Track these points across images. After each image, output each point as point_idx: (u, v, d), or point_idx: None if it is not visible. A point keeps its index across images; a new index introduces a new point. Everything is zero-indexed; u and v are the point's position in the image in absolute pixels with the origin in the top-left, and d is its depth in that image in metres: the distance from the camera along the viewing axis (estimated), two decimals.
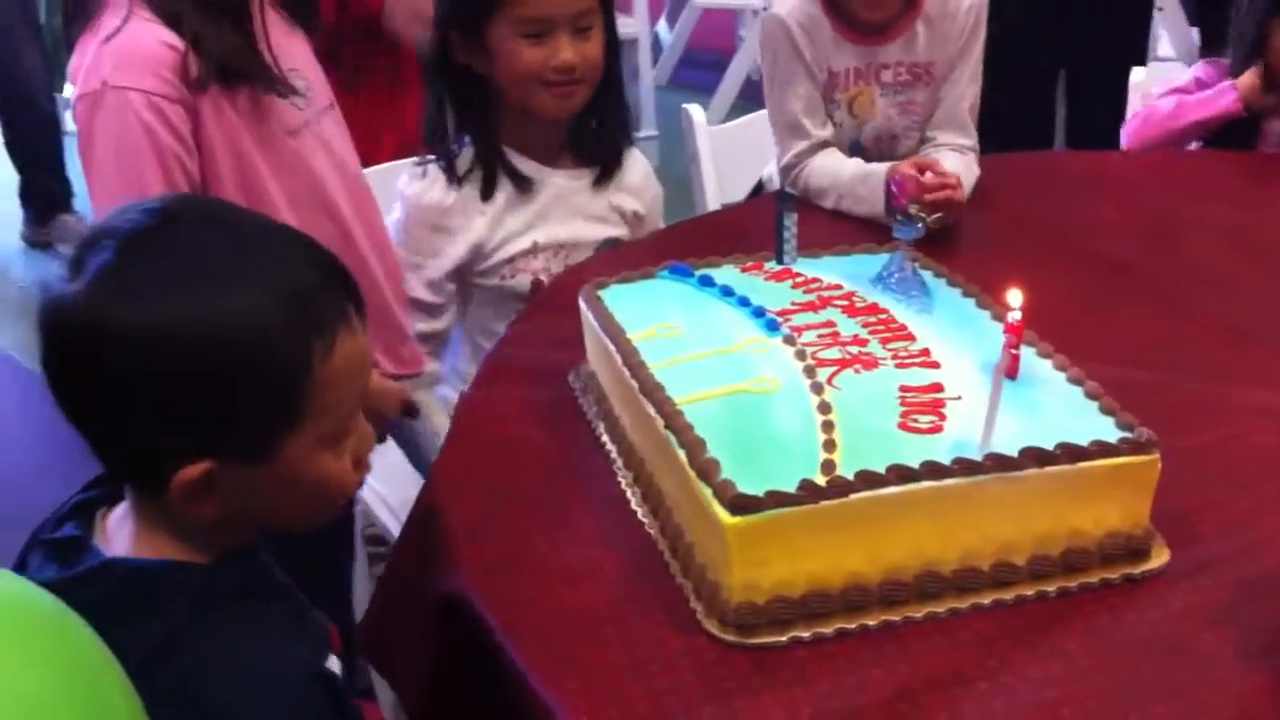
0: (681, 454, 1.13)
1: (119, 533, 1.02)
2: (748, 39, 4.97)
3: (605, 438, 1.36)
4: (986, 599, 1.11)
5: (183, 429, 0.94)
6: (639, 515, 1.24)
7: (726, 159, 2.34)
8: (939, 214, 1.67)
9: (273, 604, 1.03)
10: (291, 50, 1.53)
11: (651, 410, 1.20)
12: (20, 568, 1.02)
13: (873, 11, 1.91)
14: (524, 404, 1.46)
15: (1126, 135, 2.35)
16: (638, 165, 1.91)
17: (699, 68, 5.35)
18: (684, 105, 2.39)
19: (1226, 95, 2.25)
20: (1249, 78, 2.23)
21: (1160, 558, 1.15)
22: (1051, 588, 1.12)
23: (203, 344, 0.92)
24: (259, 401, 0.94)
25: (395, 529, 1.86)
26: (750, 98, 4.71)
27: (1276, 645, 1.08)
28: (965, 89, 2.00)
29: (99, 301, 0.92)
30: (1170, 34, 3.92)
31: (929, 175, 1.77)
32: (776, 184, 2.08)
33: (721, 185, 2.33)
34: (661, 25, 5.61)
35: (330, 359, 0.96)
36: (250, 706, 0.95)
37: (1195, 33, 3.91)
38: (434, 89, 1.80)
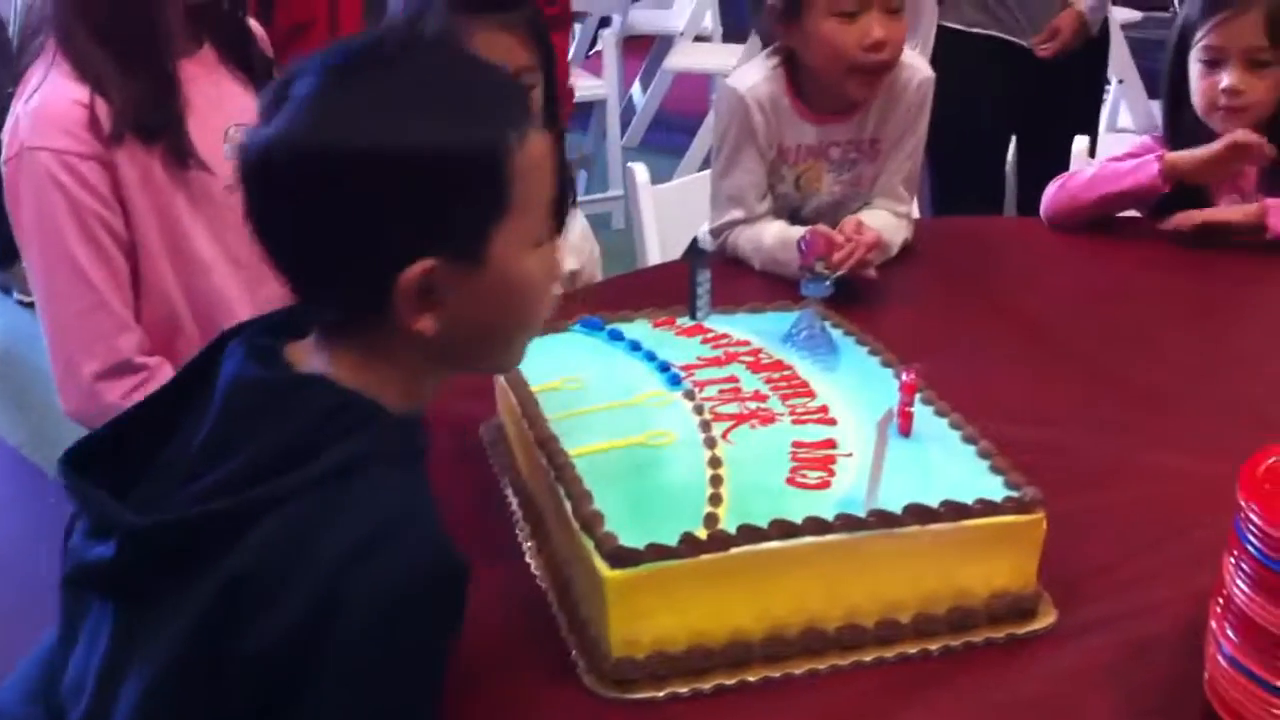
0: (569, 505, 1.12)
1: (309, 360, 1.03)
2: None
3: (508, 490, 1.35)
4: (869, 656, 1.10)
5: (401, 226, 0.96)
6: (532, 568, 1.23)
7: (671, 218, 2.36)
8: (842, 271, 1.67)
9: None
10: (234, 101, 1.52)
11: (544, 461, 1.20)
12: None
13: (864, 91, 1.91)
14: (434, 454, 1.46)
15: (1044, 202, 2.20)
16: (576, 225, 1.92)
17: (671, 130, 5.40)
18: (627, 164, 2.41)
19: (1148, 168, 2.08)
20: (1176, 154, 2.06)
21: (1047, 618, 1.15)
22: (935, 646, 1.11)
23: (413, 148, 0.94)
24: (469, 191, 0.97)
25: None
26: None
27: (1161, 708, 1.07)
28: (904, 163, 2.02)
29: (306, 128, 0.94)
30: (1129, 105, 3.96)
31: (841, 235, 1.78)
32: (707, 242, 2.09)
33: (664, 244, 2.34)
34: (635, 89, 5.66)
35: (525, 147, 0.99)
36: (420, 558, 0.94)
37: (1156, 106, 3.96)
38: None
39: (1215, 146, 2.03)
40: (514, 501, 1.33)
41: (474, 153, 0.97)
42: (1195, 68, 2.06)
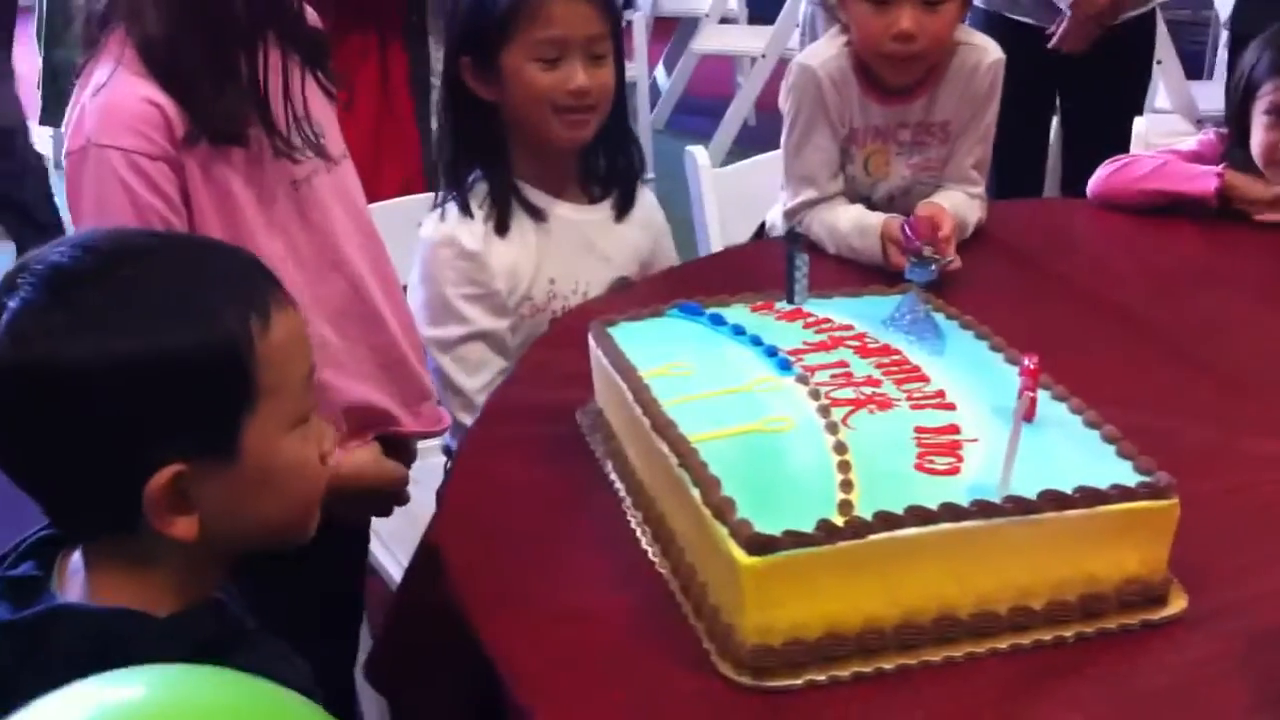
0: (695, 492, 1.11)
1: (74, 577, 0.99)
2: (745, 85, 4.99)
3: (614, 476, 1.34)
4: (1004, 644, 1.10)
5: (136, 436, 0.93)
6: (649, 555, 1.22)
7: (726, 203, 2.34)
8: (951, 259, 1.67)
9: (238, 656, 0.96)
10: (307, 96, 1.49)
11: (665, 448, 1.19)
12: None
13: (900, 77, 1.92)
14: (529, 441, 1.45)
15: (1094, 178, 2.18)
16: (646, 201, 1.90)
17: (696, 113, 5.38)
18: (688, 148, 2.39)
19: (1207, 181, 2.08)
20: (1237, 178, 2.07)
21: (1178, 604, 1.14)
22: (1069, 633, 1.11)
23: (139, 358, 0.92)
24: (209, 389, 0.94)
25: (393, 567, 1.85)
26: (747, 143, 4.74)
27: None
28: (975, 146, 2.00)
29: (14, 348, 0.91)
30: (1167, 87, 3.94)
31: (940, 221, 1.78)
32: (779, 228, 2.08)
33: (723, 228, 2.32)
34: (659, 71, 5.64)
35: (269, 334, 0.97)
36: None
37: (1194, 87, 3.94)
38: (445, 120, 1.79)
39: (1277, 191, 2.06)
40: (621, 488, 1.32)
41: (209, 351, 0.94)
42: (1260, 119, 2.09)
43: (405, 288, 1.73)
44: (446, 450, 1.85)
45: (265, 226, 1.46)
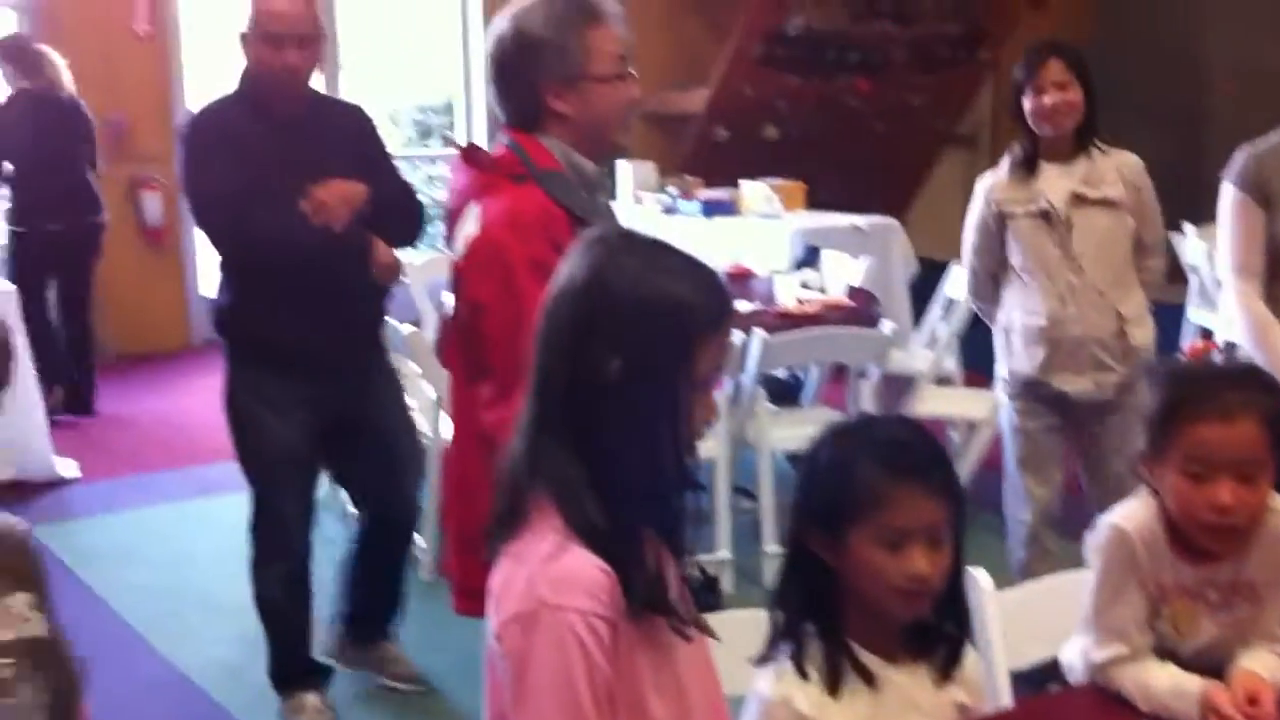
0: None
1: None
2: (967, 451, 5.04)
3: None
4: None
5: None
6: None
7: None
8: None
9: None
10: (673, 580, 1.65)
11: None
12: None
13: (1216, 545, 1.99)
14: None
15: None
16: (970, 658, 1.95)
17: None
18: (968, 568, 2.45)
19: None
20: None
21: None
22: None
23: None
24: None
25: None
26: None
27: None
28: None
29: None
30: None
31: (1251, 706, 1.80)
32: (1078, 670, 2.11)
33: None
34: None
35: None
36: None
37: None
38: (785, 576, 1.90)
39: None
40: None
41: None
42: None
43: None
44: None
45: (654, 689, 1.57)
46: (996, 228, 3.70)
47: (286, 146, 3.31)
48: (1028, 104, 3.55)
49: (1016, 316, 3.72)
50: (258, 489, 3.51)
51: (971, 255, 3.81)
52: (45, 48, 6.50)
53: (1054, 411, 3.73)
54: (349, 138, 3.46)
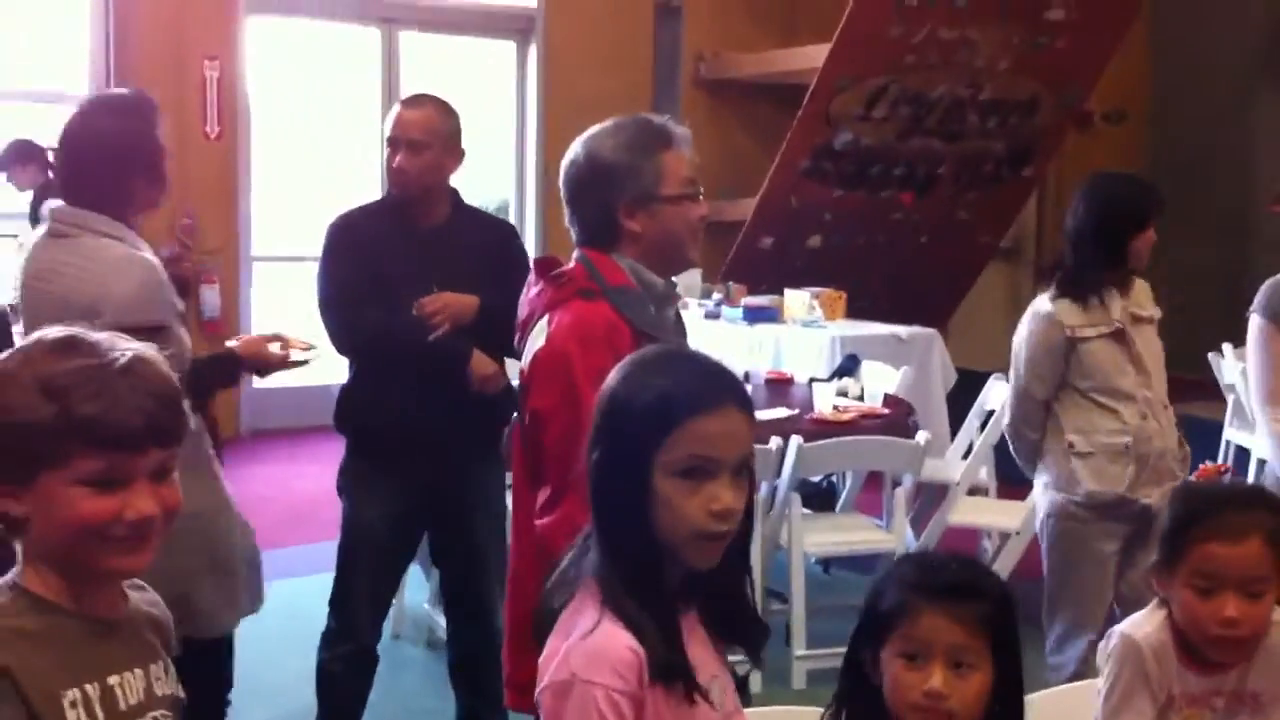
0: None
1: None
2: (999, 561, 5.10)
3: None
4: None
5: None
6: None
7: None
8: None
9: None
10: (708, 659, 1.76)
11: None
12: None
13: (1223, 657, 2.09)
14: None
15: None
16: None
17: None
18: None
19: None
20: None
21: None
22: None
23: None
24: None
25: None
26: None
27: None
28: None
29: None
30: None
31: None
32: None
33: None
34: (909, 533, 5.84)
35: None
36: None
37: None
38: (841, 699, 1.96)
39: None
40: None
41: None
42: None
43: None
44: None
45: None
46: (1065, 351, 3.72)
47: (422, 253, 3.52)
48: (1135, 241, 3.66)
49: (1098, 439, 3.71)
50: (337, 567, 3.70)
51: (1033, 381, 3.77)
52: None
53: (1131, 528, 3.75)
54: (489, 251, 3.62)
